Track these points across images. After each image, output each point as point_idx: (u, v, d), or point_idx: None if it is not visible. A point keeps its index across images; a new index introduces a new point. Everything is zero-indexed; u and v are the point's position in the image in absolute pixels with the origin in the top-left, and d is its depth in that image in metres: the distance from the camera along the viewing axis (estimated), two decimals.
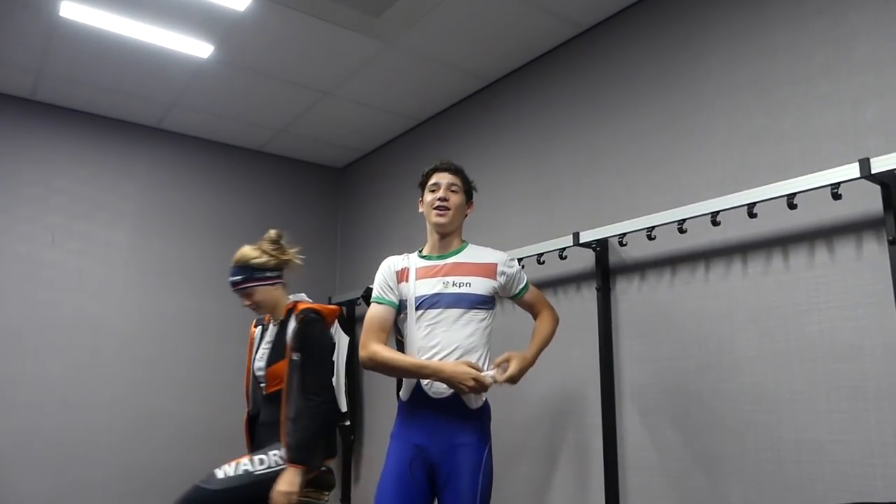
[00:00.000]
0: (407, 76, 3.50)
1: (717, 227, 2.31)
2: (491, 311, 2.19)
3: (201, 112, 3.98)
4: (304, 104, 3.85)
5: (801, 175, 2.05)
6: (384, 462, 2.12)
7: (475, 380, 1.98)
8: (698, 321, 2.40)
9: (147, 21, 3.02)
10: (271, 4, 2.87)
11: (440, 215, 2.17)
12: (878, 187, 1.92)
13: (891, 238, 1.87)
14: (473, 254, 2.23)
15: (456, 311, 2.10)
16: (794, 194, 2.05)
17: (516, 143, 3.35)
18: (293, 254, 2.56)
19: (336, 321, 2.58)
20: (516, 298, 2.32)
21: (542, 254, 2.90)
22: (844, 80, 2.10)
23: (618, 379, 2.63)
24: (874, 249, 1.97)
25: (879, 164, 1.85)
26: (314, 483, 2.35)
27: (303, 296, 2.53)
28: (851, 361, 1.97)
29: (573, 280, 2.90)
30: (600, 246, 2.71)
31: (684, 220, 2.36)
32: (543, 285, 3.02)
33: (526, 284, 2.31)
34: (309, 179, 4.76)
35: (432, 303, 2.12)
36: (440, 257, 2.20)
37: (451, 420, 2.09)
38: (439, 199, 2.17)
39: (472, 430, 2.10)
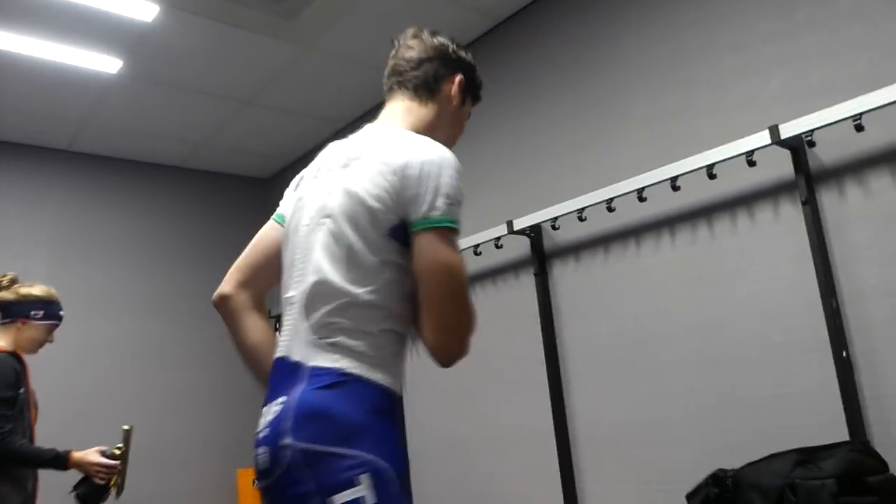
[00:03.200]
0: (328, 79, 3.46)
1: (643, 203, 2.38)
2: None
3: (114, 130, 3.81)
4: (224, 115, 3.75)
5: (717, 146, 2.14)
6: None
7: None
8: (633, 297, 2.47)
9: (50, 38, 2.88)
10: (179, 13, 2.79)
11: None
12: (788, 152, 2.02)
13: (803, 199, 1.97)
14: None
15: None
16: (713, 165, 2.14)
17: None
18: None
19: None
20: None
21: (478, 245, 2.92)
22: (750, 53, 2.20)
23: (563, 361, 2.68)
24: (790, 211, 2.07)
25: (787, 130, 1.95)
26: None
27: None
28: (780, 319, 2.07)
29: (511, 268, 2.93)
30: (534, 232, 2.75)
31: (612, 199, 2.42)
32: (482, 276, 3.04)
33: None
34: (235, 192, 4.63)
35: None
36: None
37: None
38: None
39: None
